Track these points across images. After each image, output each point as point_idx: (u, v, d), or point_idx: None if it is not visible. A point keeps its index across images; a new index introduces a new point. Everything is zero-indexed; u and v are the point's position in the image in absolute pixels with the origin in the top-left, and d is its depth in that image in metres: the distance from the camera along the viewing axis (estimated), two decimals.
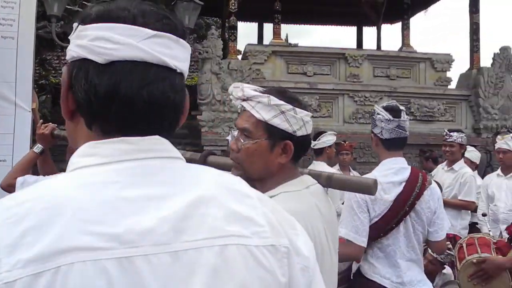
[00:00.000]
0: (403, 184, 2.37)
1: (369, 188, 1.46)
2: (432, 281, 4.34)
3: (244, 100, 1.38)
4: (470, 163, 5.40)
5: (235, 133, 3.49)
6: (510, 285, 2.99)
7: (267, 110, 1.35)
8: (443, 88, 8.20)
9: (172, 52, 0.69)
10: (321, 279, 0.82)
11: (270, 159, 1.39)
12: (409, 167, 2.48)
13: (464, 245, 3.19)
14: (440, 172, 4.97)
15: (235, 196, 0.71)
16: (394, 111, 2.40)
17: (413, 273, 2.37)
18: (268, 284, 0.66)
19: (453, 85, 8.61)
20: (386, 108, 2.43)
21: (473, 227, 5.30)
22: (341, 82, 7.95)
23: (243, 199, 0.71)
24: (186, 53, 0.73)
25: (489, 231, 4.70)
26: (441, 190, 4.69)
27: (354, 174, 6.23)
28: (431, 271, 4.33)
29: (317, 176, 1.53)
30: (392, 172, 2.41)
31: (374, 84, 7.95)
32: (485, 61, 8.38)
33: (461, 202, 4.62)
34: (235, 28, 7.87)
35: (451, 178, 4.74)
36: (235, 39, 7.81)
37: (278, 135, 1.37)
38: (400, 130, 2.37)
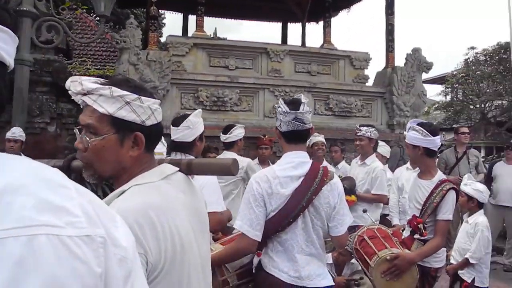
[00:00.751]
0: (302, 178, 2.34)
1: (228, 169, 1.43)
2: (341, 271, 4.48)
3: (84, 94, 1.27)
4: (381, 158, 5.64)
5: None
6: (417, 277, 3.12)
7: (110, 102, 1.26)
8: (361, 85, 8.49)
9: (8, 47, 0.68)
10: (141, 271, 0.80)
11: (121, 153, 1.32)
12: (310, 161, 2.44)
13: (366, 237, 3.27)
14: (354, 166, 5.14)
15: (49, 185, 0.66)
16: (292, 104, 2.37)
17: (312, 267, 2.37)
18: (82, 275, 0.63)
19: (370, 82, 8.94)
20: (286, 101, 2.41)
21: (384, 219, 5.54)
22: (262, 76, 7.98)
23: (58, 189, 0.67)
24: (15, 48, 0.72)
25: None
26: (355, 184, 4.87)
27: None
28: (341, 262, 4.46)
29: (177, 164, 1.47)
30: (291, 166, 2.39)
31: (295, 80, 8.06)
32: (400, 60, 8.79)
33: (374, 196, 4.80)
34: (155, 18, 7.65)
35: (363, 172, 4.92)
36: (156, 30, 7.59)
37: (126, 127, 1.30)
38: (298, 123, 2.34)
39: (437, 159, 7.34)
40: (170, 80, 7.11)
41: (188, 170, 1.48)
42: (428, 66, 8.30)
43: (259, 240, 2.31)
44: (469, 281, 4.13)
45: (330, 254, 4.59)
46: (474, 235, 4.13)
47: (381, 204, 4.97)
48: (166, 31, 23.03)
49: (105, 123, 1.28)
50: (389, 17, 8.60)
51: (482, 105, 23.06)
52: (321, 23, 10.55)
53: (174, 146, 3.03)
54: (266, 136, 6.15)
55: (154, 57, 6.98)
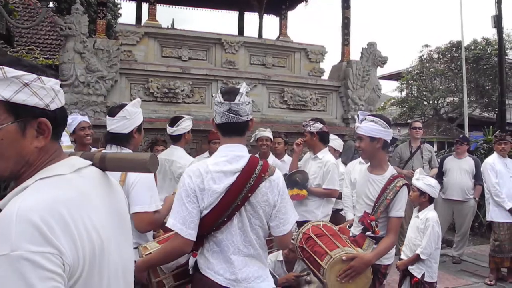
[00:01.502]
0: (237, 174, 2.18)
1: (145, 165, 1.25)
2: (292, 267, 4.36)
3: None
4: (334, 151, 5.56)
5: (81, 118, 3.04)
6: (371, 277, 3.01)
7: (4, 85, 1.06)
8: (316, 79, 8.39)
9: None
10: None
11: (24, 145, 1.11)
12: (248, 155, 2.27)
13: (313, 235, 3.14)
14: (307, 160, 5.02)
15: None
16: (228, 94, 2.20)
17: (251, 269, 2.21)
18: None
19: (326, 76, 8.86)
20: (222, 91, 2.23)
21: (337, 214, 5.47)
22: (215, 68, 7.76)
23: None
24: None
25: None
26: (308, 178, 4.76)
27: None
28: (292, 259, 4.34)
29: (90, 158, 1.29)
30: (225, 160, 2.21)
31: (249, 72, 7.88)
32: (357, 55, 8.76)
33: (325, 190, 4.70)
34: (104, 4, 7.26)
35: (315, 166, 4.82)
36: (104, 17, 7.20)
37: (27, 114, 1.09)
38: (232, 114, 2.18)
39: (392, 153, 7.39)
40: (119, 70, 6.78)
41: (102, 164, 1.31)
42: (383, 61, 8.30)
43: (193, 239, 2.13)
44: (419, 276, 4.10)
45: (280, 251, 4.47)
46: (424, 231, 4.10)
47: (333, 199, 4.88)
48: (124, 21, 22.30)
49: (0, 111, 1.08)
50: (345, 10, 8.54)
51: (435, 102, 23.71)
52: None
53: (110, 138, 2.82)
54: None
55: (102, 45, 6.62)
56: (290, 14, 10.26)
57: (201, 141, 6.84)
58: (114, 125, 2.75)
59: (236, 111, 2.18)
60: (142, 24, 8.50)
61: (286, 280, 4.30)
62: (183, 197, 2.14)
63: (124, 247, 1.32)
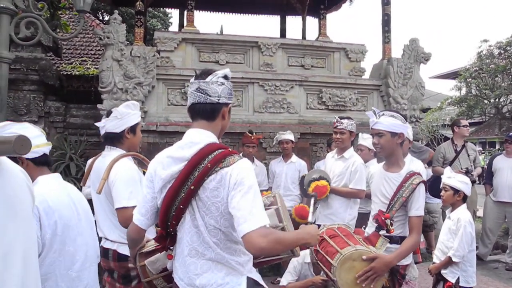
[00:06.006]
0: (185, 163, 1.93)
1: (10, 147, 1.10)
2: (319, 270, 4.22)
3: None
4: (368, 151, 5.37)
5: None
6: (387, 277, 2.88)
7: None
8: (355, 78, 8.14)
9: None
10: None
11: None
12: (205, 142, 1.95)
13: (326, 237, 3.02)
14: (330, 160, 4.89)
15: None
16: (201, 74, 2.01)
17: (215, 275, 1.92)
18: None
19: (367, 75, 8.59)
20: (197, 72, 2.07)
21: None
22: (252, 70, 7.72)
23: None
24: None
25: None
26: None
27: (257, 165, 6.12)
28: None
29: None
30: (178, 146, 2.01)
31: (286, 73, 7.78)
32: (398, 52, 8.46)
33: (351, 190, 4.56)
34: (141, 13, 7.46)
35: (341, 167, 4.68)
36: (142, 25, 7.39)
37: None
38: (200, 94, 1.96)
39: (434, 153, 7.05)
40: (156, 75, 6.93)
41: None
42: (426, 57, 7.94)
43: (142, 226, 2.04)
44: (453, 281, 3.86)
45: (308, 253, 4.36)
46: (456, 232, 3.86)
47: (358, 200, 4.70)
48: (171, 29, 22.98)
49: None
50: (385, 7, 8.25)
51: (497, 100, 22.47)
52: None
53: (105, 138, 2.99)
54: (254, 134, 5.99)
55: (138, 52, 6.80)
56: (331, 15, 10.06)
57: (238, 144, 6.84)
58: (108, 124, 2.91)
59: (204, 90, 1.96)
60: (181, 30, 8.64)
61: (312, 283, 4.18)
62: (143, 180, 2.11)
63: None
